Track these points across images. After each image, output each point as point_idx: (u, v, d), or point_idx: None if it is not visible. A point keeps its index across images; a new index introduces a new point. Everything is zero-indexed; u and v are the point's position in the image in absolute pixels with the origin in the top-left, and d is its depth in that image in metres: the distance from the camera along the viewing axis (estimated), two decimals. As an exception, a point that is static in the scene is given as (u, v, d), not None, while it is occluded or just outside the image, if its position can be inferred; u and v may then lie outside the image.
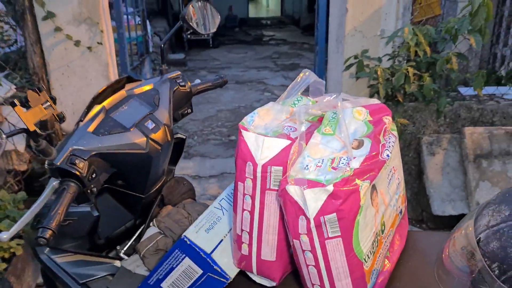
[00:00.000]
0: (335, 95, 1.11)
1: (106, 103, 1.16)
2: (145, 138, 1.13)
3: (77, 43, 2.56)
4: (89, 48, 2.59)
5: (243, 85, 6.28)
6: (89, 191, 1.04)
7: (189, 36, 8.96)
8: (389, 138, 1.02)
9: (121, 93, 1.21)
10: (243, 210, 0.97)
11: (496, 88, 3.16)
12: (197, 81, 1.55)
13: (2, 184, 2.43)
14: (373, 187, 0.93)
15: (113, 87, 1.25)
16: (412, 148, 2.90)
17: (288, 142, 0.94)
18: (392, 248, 1.07)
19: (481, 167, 2.74)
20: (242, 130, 0.97)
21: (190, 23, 1.40)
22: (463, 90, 3.22)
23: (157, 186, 1.27)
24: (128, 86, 1.26)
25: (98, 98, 1.19)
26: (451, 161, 2.82)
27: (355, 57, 2.63)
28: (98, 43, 2.61)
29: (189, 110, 1.42)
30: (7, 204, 2.21)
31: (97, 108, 1.14)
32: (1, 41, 3.65)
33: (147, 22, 5.71)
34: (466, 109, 2.93)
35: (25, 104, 0.96)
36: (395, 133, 1.07)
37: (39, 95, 0.99)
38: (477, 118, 2.94)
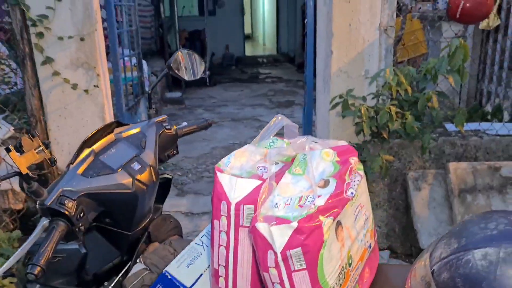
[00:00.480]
0: (306, 138, 1.20)
1: (96, 146, 1.25)
2: (131, 179, 1.22)
3: (74, 86, 2.68)
4: (85, 91, 2.71)
5: (238, 122, 6.41)
6: (77, 229, 1.11)
7: (186, 75, 9.17)
8: (355, 177, 1.11)
9: (110, 137, 1.30)
10: (219, 245, 1.04)
11: (479, 124, 3.27)
12: (184, 123, 1.64)
13: (-3, 223, 2.49)
14: (338, 223, 1.01)
15: (103, 131, 1.34)
16: (399, 184, 2.98)
17: (259, 182, 1.02)
18: (361, 281, 1.14)
19: (466, 201, 2.81)
20: (217, 172, 1.05)
21: (176, 71, 1.51)
22: (449, 126, 3.33)
23: (144, 224, 1.34)
24: (117, 130, 1.35)
25: (88, 142, 1.28)
26: (437, 196, 2.90)
27: (340, 96, 2.74)
28: (94, 86, 2.73)
29: (175, 152, 1.51)
30: (1, 242, 2.27)
31: (86, 151, 1.23)
32: (2, 82, 3.79)
33: (144, 63, 5.89)
34: (450, 145, 3.03)
35: (19, 149, 1.05)
36: (361, 172, 1.15)
37: (32, 140, 1.08)
38: (461, 154, 3.03)
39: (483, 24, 4.56)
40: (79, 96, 2.73)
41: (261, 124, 6.24)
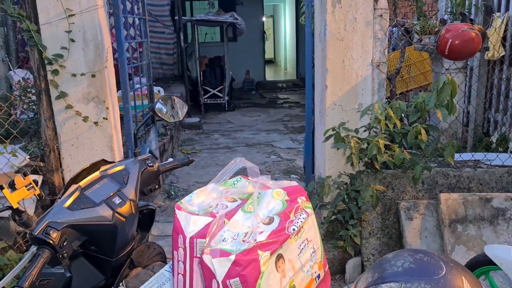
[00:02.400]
0: (264, 178, 1.36)
1: (82, 182, 1.44)
2: (111, 212, 1.39)
3: (85, 119, 2.91)
4: (95, 123, 2.94)
5: (252, 147, 6.59)
6: (61, 256, 1.29)
7: (205, 100, 9.48)
8: (300, 215, 1.25)
9: (96, 174, 1.49)
10: (178, 273, 1.20)
11: (472, 155, 3.35)
12: (170, 159, 1.82)
13: (11, 244, 2.71)
14: (279, 256, 1.16)
15: (90, 168, 1.53)
16: (392, 213, 3.08)
17: (210, 219, 1.18)
18: (308, 308, 1.27)
19: (456, 231, 2.88)
20: (176, 209, 1.22)
21: (160, 114, 1.70)
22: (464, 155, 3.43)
23: (126, 251, 1.51)
24: (103, 167, 1.54)
25: (76, 178, 1.47)
26: (428, 225, 2.98)
27: (333, 129, 2.89)
28: (104, 118, 2.96)
29: (157, 186, 1.68)
30: (14, 263, 2.48)
31: (73, 187, 1.42)
32: (28, 110, 4.09)
33: (161, 90, 6.17)
34: (443, 176, 3.11)
35: (12, 186, 1.25)
36: (309, 210, 1.30)
37: (24, 179, 1.27)
38: (454, 185, 3.11)
39: (488, 55, 4.65)
40: (89, 128, 2.96)
41: (273, 150, 6.40)
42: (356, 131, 2.95)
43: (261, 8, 12.84)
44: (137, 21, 3.98)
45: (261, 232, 1.14)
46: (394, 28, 4.98)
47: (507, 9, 4.69)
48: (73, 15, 2.80)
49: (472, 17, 4.95)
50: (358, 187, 2.94)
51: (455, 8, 4.24)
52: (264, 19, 13.45)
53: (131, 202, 1.45)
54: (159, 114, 1.70)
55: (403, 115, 3.07)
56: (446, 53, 2.93)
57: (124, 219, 1.42)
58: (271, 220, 1.19)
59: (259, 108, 9.89)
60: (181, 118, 1.81)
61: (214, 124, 8.37)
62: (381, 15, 2.96)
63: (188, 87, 8.53)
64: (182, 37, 8.42)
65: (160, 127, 5.43)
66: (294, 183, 1.34)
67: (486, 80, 4.97)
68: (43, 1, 2.78)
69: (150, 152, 3.68)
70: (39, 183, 2.85)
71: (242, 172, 1.47)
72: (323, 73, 3.08)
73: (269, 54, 18.73)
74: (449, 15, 4.33)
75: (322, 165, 3.23)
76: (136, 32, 6.04)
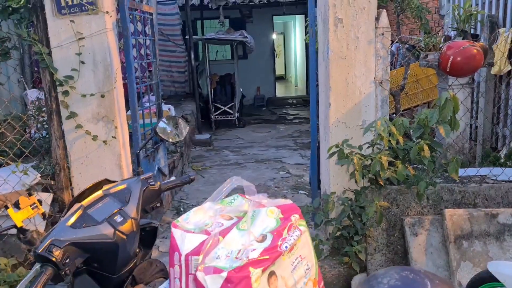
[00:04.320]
0: (260, 195, 1.41)
1: (85, 201, 1.50)
2: (113, 230, 1.45)
3: (94, 138, 3.00)
4: (104, 142, 3.02)
5: (261, 163, 6.63)
6: (63, 273, 1.34)
7: (216, 117, 9.58)
8: (293, 233, 1.29)
9: (99, 193, 1.55)
10: (175, 289, 1.25)
11: (477, 171, 3.34)
12: (172, 178, 1.88)
13: (22, 261, 2.77)
14: (272, 273, 1.19)
15: (94, 187, 1.59)
16: (397, 229, 3.08)
17: (205, 237, 1.22)
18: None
19: (462, 247, 2.87)
20: (172, 228, 1.27)
21: (161, 134, 1.76)
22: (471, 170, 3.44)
23: (128, 267, 1.56)
24: (106, 186, 1.60)
25: (80, 197, 1.53)
26: (433, 241, 2.98)
27: (336, 145, 2.92)
28: (112, 137, 3.04)
29: (158, 204, 1.73)
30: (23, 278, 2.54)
31: (76, 206, 1.48)
32: (42, 128, 4.21)
33: (172, 108, 6.28)
34: (448, 192, 3.12)
35: (17, 206, 1.31)
36: (303, 227, 1.34)
37: (28, 199, 1.33)
38: (459, 200, 3.11)
39: (494, 70, 4.67)
40: (99, 146, 3.04)
41: (282, 166, 6.44)
42: (360, 147, 2.98)
43: (271, 26, 12.99)
44: (148, 41, 4.08)
45: (254, 250, 1.18)
46: (401, 44, 5.03)
47: (512, 24, 4.72)
48: (83, 38, 2.90)
49: (478, 33, 4.98)
50: (362, 203, 2.96)
51: (460, 24, 4.27)
52: (274, 36, 13.60)
53: (133, 220, 1.50)
54: (160, 135, 1.76)
55: (411, 131, 3.09)
56: (448, 70, 2.96)
57: (125, 237, 1.46)
58: (264, 238, 1.23)
59: (269, 124, 9.95)
60: (182, 139, 1.86)
61: (224, 141, 8.45)
62: (382, 34, 3.01)
63: (198, 104, 8.62)
64: (192, 56, 8.55)
65: (169, 145, 5.52)
66: (289, 201, 1.38)
67: (494, 95, 4.97)
68: (55, 25, 2.89)
69: (159, 169, 3.76)
70: (50, 201, 2.93)
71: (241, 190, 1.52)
72: (326, 91, 3.13)
73: (279, 71, 18.88)
74: (454, 32, 4.37)
75: (327, 181, 3.26)
76: (147, 51, 6.18)
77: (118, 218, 1.48)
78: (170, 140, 1.81)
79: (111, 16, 2.96)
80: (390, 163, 2.90)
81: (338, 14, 2.97)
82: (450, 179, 3.35)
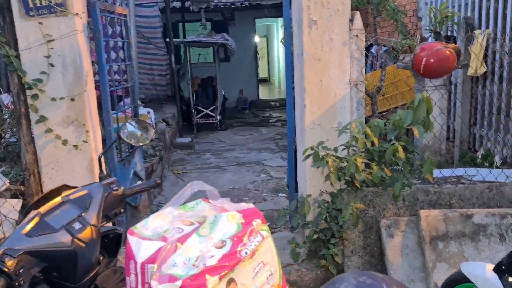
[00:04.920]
0: (223, 200, 1.37)
1: (42, 208, 1.44)
2: (71, 238, 1.39)
3: (64, 142, 2.93)
4: (75, 146, 2.95)
5: (242, 166, 6.60)
6: (17, 284, 1.29)
7: (198, 120, 9.52)
8: (254, 238, 1.26)
9: (57, 200, 1.50)
10: (131, 299, 1.20)
11: (452, 171, 3.36)
12: (138, 182, 1.83)
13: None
14: (231, 280, 1.16)
15: (53, 193, 1.53)
16: (374, 231, 3.07)
17: (162, 244, 1.18)
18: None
19: (438, 248, 2.87)
20: (128, 235, 1.22)
21: (125, 138, 1.72)
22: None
23: (90, 276, 1.50)
24: (66, 193, 1.54)
25: (37, 205, 1.48)
26: (409, 243, 2.97)
27: (311, 148, 2.90)
28: (84, 141, 2.97)
29: (122, 210, 1.68)
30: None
31: (33, 213, 1.42)
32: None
33: (151, 111, 6.21)
34: (424, 193, 3.12)
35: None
36: (265, 232, 1.30)
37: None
38: (434, 201, 3.11)
39: (470, 71, 4.71)
40: (69, 151, 2.97)
41: (264, 169, 6.41)
42: (335, 149, 2.96)
43: (254, 28, 12.98)
44: (122, 44, 4.02)
45: (212, 256, 1.15)
46: (377, 46, 5.05)
47: (487, 26, 4.77)
48: (52, 40, 2.84)
49: (455, 34, 5.03)
50: (338, 205, 2.94)
51: (435, 26, 4.30)
52: (257, 39, 13.59)
53: (92, 227, 1.46)
54: (124, 138, 1.71)
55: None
56: (421, 72, 2.96)
57: (84, 245, 1.41)
58: (223, 244, 1.20)
59: (252, 127, 9.92)
60: (147, 143, 1.82)
61: (206, 144, 8.39)
62: (357, 35, 3.01)
63: (180, 107, 8.55)
64: (173, 59, 8.48)
65: (148, 148, 5.45)
66: (251, 205, 1.35)
67: (470, 96, 5.02)
68: (23, 27, 2.82)
69: (135, 173, 3.69)
70: (19, 207, 2.85)
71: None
72: (301, 93, 3.11)
73: (263, 73, 18.88)
74: (430, 33, 4.40)
75: (304, 183, 3.23)
76: (125, 54, 6.09)
77: (77, 225, 1.43)
78: (136, 144, 1.76)
79: (81, 18, 2.90)
80: (366, 165, 2.89)
81: (312, 15, 2.96)
82: (425, 180, 3.36)
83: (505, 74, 4.50)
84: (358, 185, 2.97)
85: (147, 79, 11.03)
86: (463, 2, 5.20)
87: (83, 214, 1.47)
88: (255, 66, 13.34)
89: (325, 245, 3.05)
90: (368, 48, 5.54)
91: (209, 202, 1.41)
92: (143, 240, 1.19)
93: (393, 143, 2.82)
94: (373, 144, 2.85)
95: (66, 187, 1.57)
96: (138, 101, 6.13)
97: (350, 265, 3.06)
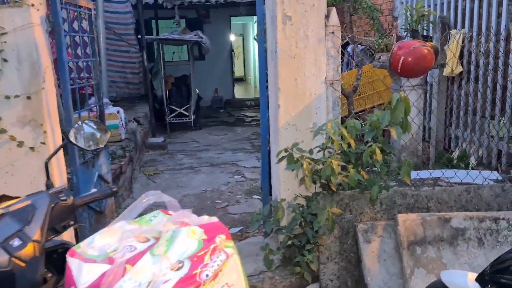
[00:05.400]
0: (185, 212, 1.21)
1: (-25, 223, 1.25)
2: (7, 257, 1.21)
3: (20, 144, 2.71)
4: (31, 148, 2.74)
5: (216, 167, 6.42)
6: None
7: (171, 119, 9.29)
8: (217, 257, 1.10)
9: (-7, 212, 1.31)
10: (73, 330, 1.03)
11: (430, 173, 3.27)
12: (93, 190, 1.65)
13: None
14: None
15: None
16: (350, 236, 2.95)
17: (107, 267, 1.02)
18: None
19: (416, 254, 2.77)
20: (67, 256, 1.05)
21: (75, 142, 1.53)
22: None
23: (32, 297, 1.32)
24: (4, 204, 1.35)
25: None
26: (387, 248, 2.86)
27: (285, 150, 2.76)
28: (41, 143, 2.76)
29: (72, 222, 1.50)
30: None
31: (-37, 229, 1.23)
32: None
33: (121, 110, 5.97)
34: (401, 196, 3.02)
35: None
36: (230, 250, 1.15)
37: None
38: (412, 204, 3.02)
39: (446, 71, 4.66)
40: (25, 153, 2.75)
41: (238, 169, 6.25)
42: (311, 151, 2.83)
43: (229, 27, 12.80)
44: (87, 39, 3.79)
45: (167, 281, 0.99)
46: (352, 45, 4.96)
47: (463, 26, 4.73)
48: (6, 33, 2.61)
49: (431, 34, 4.98)
50: (314, 210, 2.81)
51: (412, 25, 4.22)
52: (233, 37, 13.42)
53: (35, 243, 1.27)
54: (74, 142, 1.53)
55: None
56: (399, 71, 2.86)
57: (24, 264, 1.23)
58: (180, 265, 1.04)
59: (227, 127, 9.75)
60: (102, 145, 1.64)
61: (179, 144, 8.18)
62: (333, 32, 2.88)
63: (152, 106, 8.30)
64: (145, 56, 8.23)
65: (118, 149, 5.22)
66: (215, 219, 1.19)
67: (446, 96, 4.98)
68: (-27, 19, 2.59)
69: (100, 177, 3.48)
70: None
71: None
72: (276, 92, 2.96)
73: (239, 72, 18.72)
74: (407, 32, 4.32)
75: (278, 187, 3.09)
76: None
77: (16, 242, 1.25)
78: (88, 148, 1.58)
79: (38, 10, 2.68)
80: (343, 168, 2.77)
81: (287, 11, 2.82)
82: (403, 182, 3.26)
83: (481, 74, 4.46)
84: (334, 189, 2.85)
85: (119, 77, 10.71)
86: (439, 1, 5.15)
87: (24, 228, 1.29)
88: (231, 65, 13.17)
89: (300, 251, 2.91)
90: (344, 46, 5.46)
91: (169, 214, 1.24)
92: (85, 262, 1.02)
93: (370, 145, 2.71)
94: (349, 145, 2.73)
95: (5, 197, 1.38)
96: (107, 99, 5.91)
97: (326, 272, 2.93)
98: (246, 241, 3.54)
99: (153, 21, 11.58)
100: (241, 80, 19.27)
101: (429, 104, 5.27)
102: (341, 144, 2.69)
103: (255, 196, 4.99)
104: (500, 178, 3.61)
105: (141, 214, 1.29)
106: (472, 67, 4.58)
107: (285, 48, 2.86)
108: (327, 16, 2.87)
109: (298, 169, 2.69)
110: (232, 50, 13.57)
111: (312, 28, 2.86)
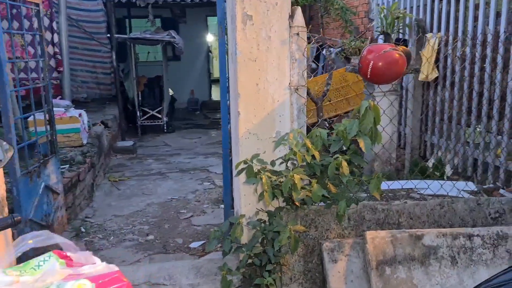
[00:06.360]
0: (84, 254, 0.96)
1: None
2: None
3: None
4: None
5: (186, 173, 6.15)
6: None
7: (143, 121, 8.97)
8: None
9: None
10: None
11: (402, 186, 3.08)
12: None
13: None
14: None
15: None
16: (316, 254, 2.73)
17: None
18: None
19: (385, 274, 2.56)
20: None
21: (-35, 162, 1.27)
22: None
23: None
24: None
25: None
26: (354, 268, 2.65)
27: (245, 161, 2.52)
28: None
29: None
30: None
31: None
32: None
33: (84, 113, 5.66)
34: (371, 211, 2.81)
35: None
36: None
37: None
38: (382, 220, 2.82)
39: (421, 76, 4.49)
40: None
41: (208, 176, 5.99)
42: (273, 163, 2.60)
43: (206, 27, 12.52)
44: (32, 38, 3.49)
45: None
46: (331, 48, 4.73)
47: (439, 29, 4.57)
48: None
49: (406, 37, 4.81)
50: (276, 227, 2.58)
51: (386, 27, 4.04)
52: (211, 38, 13.13)
53: None
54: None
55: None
56: (369, 76, 2.65)
57: None
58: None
59: (201, 130, 9.48)
60: (3, 166, 1.37)
61: (150, 148, 7.88)
62: (297, 34, 2.66)
63: (122, 108, 7.99)
64: (114, 56, 7.92)
65: (77, 154, 4.92)
66: (114, 268, 0.94)
67: (422, 102, 4.81)
68: None
69: (48, 187, 3.17)
70: None
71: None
72: (235, 98, 2.73)
73: (217, 73, 18.42)
74: (379, 35, 4.14)
75: (238, 201, 2.86)
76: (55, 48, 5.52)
77: None
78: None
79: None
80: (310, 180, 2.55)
81: (247, 9, 2.58)
82: (372, 196, 3.07)
83: (456, 79, 4.30)
84: (297, 204, 2.62)
85: (89, 77, 10.33)
86: (415, 4, 4.99)
87: None
88: (208, 66, 12.89)
89: (261, 271, 2.68)
90: (323, 50, 5.26)
91: (64, 257, 0.99)
92: None
93: (337, 157, 2.49)
94: (315, 157, 2.50)
95: None
96: (68, 102, 5.60)
97: (289, 294, 2.70)
98: (207, 257, 3.30)
99: (127, 20, 11.26)
100: (219, 81, 18.97)
101: (404, 110, 5.10)
102: (304, 156, 2.46)
103: (222, 206, 4.74)
104: (475, 189, 3.44)
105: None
106: (448, 72, 4.42)
107: (245, 51, 2.62)
108: (291, 16, 2.65)
109: (257, 183, 2.45)
110: (210, 51, 13.29)
111: (275, 29, 2.63)
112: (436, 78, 4.51)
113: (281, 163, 2.63)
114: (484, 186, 3.60)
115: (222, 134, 3.19)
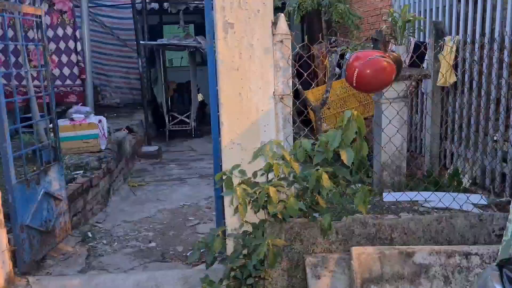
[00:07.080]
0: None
1: None
2: None
3: None
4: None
5: (204, 179, 6.14)
6: None
7: (172, 126, 9.09)
8: None
9: None
10: None
11: (396, 200, 2.92)
12: None
13: None
14: None
15: None
16: (300, 269, 2.64)
17: None
18: None
19: (370, 294, 2.43)
20: None
21: None
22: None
23: None
24: None
25: None
26: (339, 285, 2.53)
27: (224, 173, 2.47)
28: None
29: None
30: None
31: None
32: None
33: (104, 119, 5.79)
34: (361, 225, 2.68)
35: None
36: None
37: None
38: (373, 234, 2.68)
39: (440, 81, 4.28)
40: None
41: (225, 182, 5.95)
42: (254, 175, 2.53)
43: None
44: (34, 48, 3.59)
45: None
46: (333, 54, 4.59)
47: (457, 32, 4.34)
48: None
49: (421, 40, 4.60)
50: (256, 240, 2.51)
51: (398, 32, 3.89)
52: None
53: None
54: None
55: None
56: (355, 84, 2.53)
57: None
58: None
59: (229, 134, 9.48)
60: None
61: (175, 153, 7.97)
62: (281, 41, 2.58)
63: (147, 113, 8.12)
64: (141, 62, 8.08)
65: (93, 160, 5.02)
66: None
67: (441, 108, 4.57)
68: None
69: (48, 194, 3.24)
70: None
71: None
72: (219, 107, 2.68)
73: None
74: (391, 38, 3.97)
75: (225, 212, 2.81)
76: (79, 57, 5.69)
77: None
78: None
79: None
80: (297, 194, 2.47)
81: (228, 17, 2.54)
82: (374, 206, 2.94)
83: (474, 85, 4.06)
84: (280, 216, 2.54)
85: (123, 82, 10.65)
86: (434, 6, 4.76)
87: None
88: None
89: (244, 283, 2.61)
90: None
91: None
92: None
93: (317, 169, 2.39)
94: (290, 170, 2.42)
95: None
96: (88, 108, 5.74)
97: (272, 309, 2.62)
98: (199, 267, 3.26)
99: (161, 26, 11.48)
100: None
101: (425, 116, 4.87)
102: (282, 168, 2.38)
103: (231, 213, 4.70)
104: (485, 203, 3.21)
105: None
106: (466, 77, 4.18)
107: (227, 59, 2.58)
108: (274, 24, 2.58)
109: (232, 196, 2.40)
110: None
111: (257, 37, 2.57)
112: (455, 82, 4.28)
113: (262, 174, 2.55)
114: (497, 200, 3.35)
115: (213, 142, 3.16)
